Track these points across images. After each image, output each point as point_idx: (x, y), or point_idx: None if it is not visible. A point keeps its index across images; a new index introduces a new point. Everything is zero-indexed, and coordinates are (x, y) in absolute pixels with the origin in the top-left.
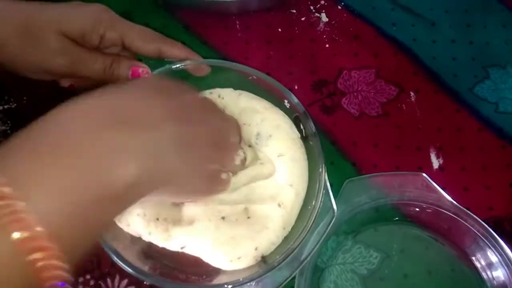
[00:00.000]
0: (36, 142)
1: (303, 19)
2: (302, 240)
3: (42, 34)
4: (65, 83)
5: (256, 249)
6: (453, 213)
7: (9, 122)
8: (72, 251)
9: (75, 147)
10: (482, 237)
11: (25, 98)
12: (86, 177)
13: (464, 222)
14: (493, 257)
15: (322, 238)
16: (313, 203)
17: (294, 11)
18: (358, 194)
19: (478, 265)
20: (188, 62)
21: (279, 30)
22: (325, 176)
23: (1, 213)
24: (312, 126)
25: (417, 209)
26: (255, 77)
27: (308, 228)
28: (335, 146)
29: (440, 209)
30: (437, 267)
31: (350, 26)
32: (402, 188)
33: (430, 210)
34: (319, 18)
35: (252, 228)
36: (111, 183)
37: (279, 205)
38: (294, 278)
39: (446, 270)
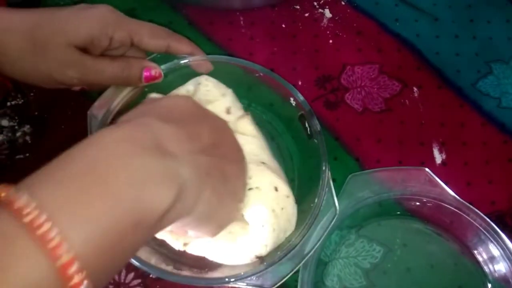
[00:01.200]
0: (67, 169)
1: (306, 15)
2: (303, 237)
3: (50, 47)
4: (76, 87)
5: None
6: (455, 208)
7: (16, 118)
8: (98, 278)
9: (108, 175)
10: (484, 231)
11: (32, 94)
12: (119, 206)
13: (466, 217)
14: (495, 251)
15: (324, 235)
16: (316, 201)
17: (298, 7)
18: (361, 189)
19: (480, 259)
20: (196, 57)
21: (283, 26)
22: (328, 175)
23: (35, 239)
24: (317, 124)
25: (420, 204)
26: (261, 74)
27: (310, 225)
28: (339, 142)
29: (443, 204)
30: (440, 261)
31: (353, 21)
32: (405, 183)
33: (432, 205)
34: (323, 14)
35: (243, 230)
36: (146, 211)
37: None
38: (298, 271)
39: (448, 264)
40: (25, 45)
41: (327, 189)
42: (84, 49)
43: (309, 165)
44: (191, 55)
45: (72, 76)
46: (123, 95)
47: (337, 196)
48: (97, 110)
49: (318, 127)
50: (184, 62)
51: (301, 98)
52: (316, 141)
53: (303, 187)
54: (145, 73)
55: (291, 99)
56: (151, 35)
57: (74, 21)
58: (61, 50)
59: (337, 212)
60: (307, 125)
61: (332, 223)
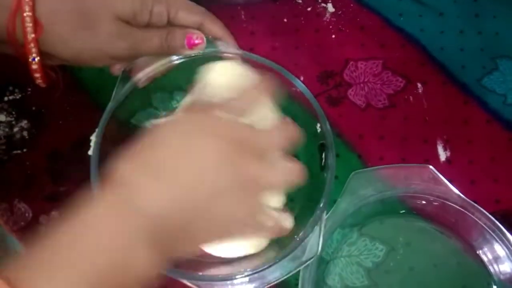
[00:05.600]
0: (50, 255)
1: (309, 9)
2: (274, 263)
3: (99, 21)
4: (118, 72)
5: None
6: (459, 206)
7: (14, 113)
8: None
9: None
10: (489, 230)
11: (29, 89)
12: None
13: (471, 215)
14: (500, 251)
15: (294, 271)
16: (300, 234)
17: (300, 1)
18: (364, 187)
19: (485, 259)
20: (229, 50)
21: (285, 20)
22: (323, 214)
23: None
24: (333, 159)
25: (424, 202)
26: (298, 90)
27: (284, 256)
28: (341, 138)
29: (447, 202)
30: (443, 260)
31: (356, 16)
32: (409, 180)
33: (436, 203)
34: (325, 8)
35: None
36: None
37: None
38: (299, 270)
39: (452, 263)
40: (74, 22)
41: (316, 227)
42: (129, 25)
43: (308, 194)
44: (221, 40)
45: (123, 47)
46: (157, 65)
47: (339, 193)
48: (133, 72)
49: (334, 162)
50: (210, 51)
51: (328, 127)
52: (325, 175)
53: (295, 214)
54: (188, 40)
55: (318, 125)
56: (187, 9)
57: None
58: (110, 23)
59: (318, 253)
60: (323, 155)
61: (308, 262)
